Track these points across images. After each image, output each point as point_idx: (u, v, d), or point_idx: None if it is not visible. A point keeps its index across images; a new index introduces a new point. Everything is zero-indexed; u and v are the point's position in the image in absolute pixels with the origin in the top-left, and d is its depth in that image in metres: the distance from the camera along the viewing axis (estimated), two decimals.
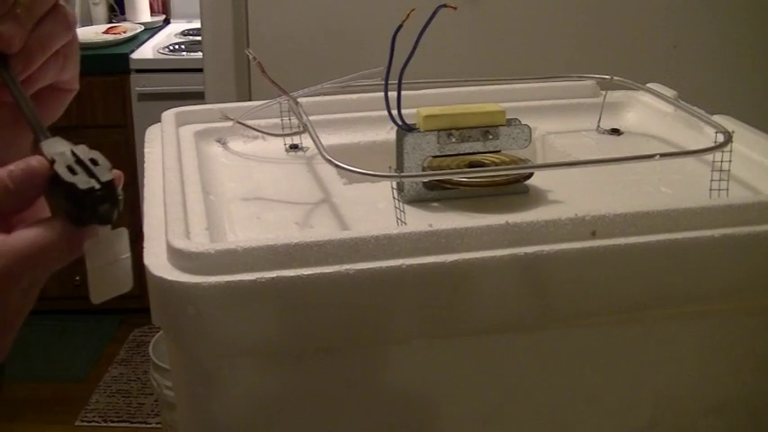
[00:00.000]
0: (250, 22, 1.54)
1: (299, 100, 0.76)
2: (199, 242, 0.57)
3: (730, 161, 0.69)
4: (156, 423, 2.52)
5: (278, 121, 0.82)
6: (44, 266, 0.50)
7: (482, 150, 0.72)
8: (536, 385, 0.64)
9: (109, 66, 2.78)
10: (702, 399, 0.68)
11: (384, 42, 0.64)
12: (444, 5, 0.65)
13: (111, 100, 2.79)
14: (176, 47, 2.88)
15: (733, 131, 0.69)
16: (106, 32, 2.95)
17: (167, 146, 0.74)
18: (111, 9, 3.19)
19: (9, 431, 2.40)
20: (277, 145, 0.81)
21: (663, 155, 0.70)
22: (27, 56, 0.56)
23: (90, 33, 2.96)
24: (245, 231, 0.66)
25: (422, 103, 0.75)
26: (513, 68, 1.49)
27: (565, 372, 0.64)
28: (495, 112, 0.72)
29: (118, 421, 2.54)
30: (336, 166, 0.62)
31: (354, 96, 0.86)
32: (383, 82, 0.67)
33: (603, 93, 0.90)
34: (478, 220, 0.59)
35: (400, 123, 0.70)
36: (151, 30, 3.08)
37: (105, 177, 0.50)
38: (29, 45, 0.55)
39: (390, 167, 0.70)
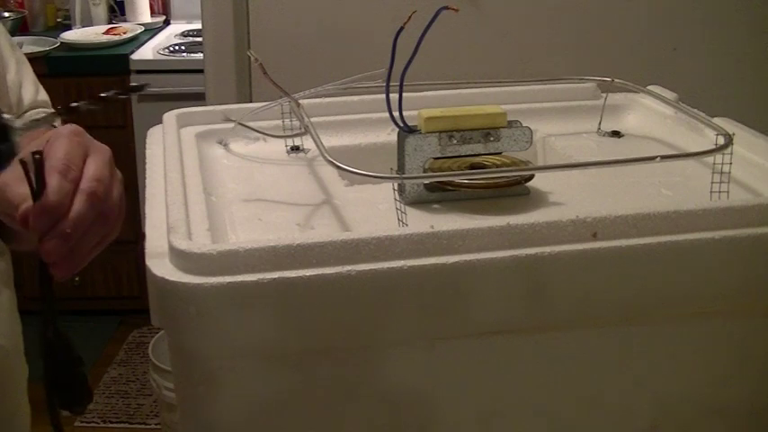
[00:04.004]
0: (251, 24, 1.54)
1: (300, 101, 0.77)
2: (200, 243, 0.57)
3: (731, 163, 0.69)
4: (156, 424, 2.52)
5: (279, 122, 0.82)
6: None
7: (483, 152, 0.72)
8: (536, 387, 0.64)
9: (109, 66, 2.77)
10: (703, 401, 0.68)
11: (385, 44, 0.65)
12: (446, 7, 0.65)
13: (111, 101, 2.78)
14: (176, 48, 2.87)
15: (733, 134, 0.69)
16: (106, 33, 2.95)
17: (169, 147, 0.74)
18: (111, 10, 3.18)
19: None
20: (278, 146, 0.82)
21: (664, 157, 0.70)
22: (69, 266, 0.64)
23: (90, 34, 2.96)
24: (246, 232, 0.66)
25: (423, 104, 0.75)
26: (514, 70, 1.49)
27: (565, 374, 0.64)
28: (496, 113, 0.72)
29: (117, 422, 2.54)
30: (338, 167, 0.62)
31: (356, 98, 0.86)
32: (384, 84, 0.67)
33: (604, 95, 0.90)
34: (479, 222, 0.59)
35: (401, 125, 0.70)
36: (151, 30, 3.08)
37: None
38: (71, 256, 0.63)
39: (392, 169, 0.70)
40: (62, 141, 0.65)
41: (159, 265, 0.57)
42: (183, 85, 2.69)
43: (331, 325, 0.57)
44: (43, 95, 1.08)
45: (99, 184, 0.64)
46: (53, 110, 1.06)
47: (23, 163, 0.61)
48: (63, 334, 0.64)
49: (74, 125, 0.68)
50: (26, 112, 1.04)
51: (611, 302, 0.61)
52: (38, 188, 0.61)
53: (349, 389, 0.61)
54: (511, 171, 0.71)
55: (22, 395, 1.05)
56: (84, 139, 0.67)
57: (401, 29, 0.64)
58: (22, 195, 0.63)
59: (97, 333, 2.92)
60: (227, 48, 1.54)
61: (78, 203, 0.63)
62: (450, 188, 0.70)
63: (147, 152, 0.76)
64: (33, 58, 2.73)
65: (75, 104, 0.61)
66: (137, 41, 2.93)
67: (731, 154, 0.68)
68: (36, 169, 0.61)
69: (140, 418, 2.56)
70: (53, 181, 0.62)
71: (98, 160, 0.66)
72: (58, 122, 0.77)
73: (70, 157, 0.64)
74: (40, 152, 0.62)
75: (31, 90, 1.06)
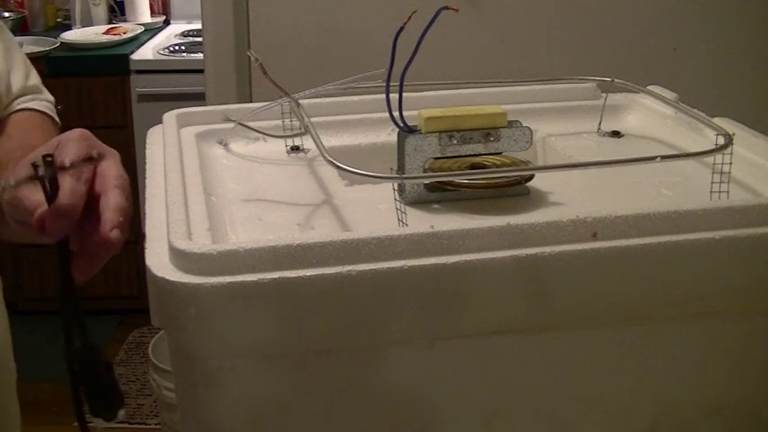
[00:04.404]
0: (251, 24, 1.54)
1: (300, 101, 0.77)
2: (201, 243, 0.57)
3: (731, 163, 0.69)
4: (156, 424, 2.52)
5: (279, 122, 0.82)
6: None
7: (483, 152, 0.72)
8: (536, 387, 0.64)
9: (109, 67, 2.78)
10: (703, 401, 0.68)
11: (386, 44, 0.65)
12: (446, 7, 0.65)
13: (111, 101, 2.79)
14: (176, 48, 2.88)
15: (733, 134, 0.69)
16: (106, 33, 2.95)
17: (169, 147, 0.74)
18: (111, 10, 3.19)
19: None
20: (278, 146, 0.82)
21: (664, 157, 0.70)
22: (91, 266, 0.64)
23: (90, 34, 2.96)
24: (246, 232, 0.66)
25: (423, 104, 0.75)
26: (514, 70, 1.49)
27: (565, 374, 0.64)
28: (496, 113, 0.72)
29: (117, 422, 2.54)
30: (338, 167, 0.62)
31: (356, 98, 0.86)
32: (384, 84, 0.67)
33: (604, 95, 0.90)
34: (480, 222, 0.59)
35: (402, 125, 0.70)
36: (151, 30, 3.08)
37: None
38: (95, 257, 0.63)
39: (392, 169, 0.70)
40: (72, 145, 0.65)
41: (159, 265, 0.57)
42: (183, 85, 2.69)
43: (331, 325, 0.57)
44: (34, 80, 1.07)
45: (125, 181, 0.66)
46: (42, 93, 1.06)
47: (35, 167, 0.62)
48: (92, 342, 0.64)
49: (82, 129, 0.68)
50: (15, 99, 1.03)
51: (611, 302, 0.61)
52: (52, 191, 0.61)
53: (349, 389, 0.61)
54: (511, 171, 0.71)
55: (11, 392, 1.05)
56: (92, 142, 0.67)
57: (401, 29, 0.64)
58: (37, 202, 0.64)
59: (97, 333, 2.91)
60: (227, 48, 1.54)
61: (115, 197, 0.63)
62: (450, 188, 0.70)
63: (147, 152, 0.76)
64: (33, 59, 2.74)
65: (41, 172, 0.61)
66: (137, 41, 2.93)
67: (731, 154, 0.68)
68: (48, 173, 0.62)
69: (140, 418, 2.56)
70: (66, 183, 0.62)
71: (114, 162, 0.67)
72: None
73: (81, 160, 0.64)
74: (51, 155, 0.63)
75: (20, 75, 1.04)
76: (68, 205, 0.61)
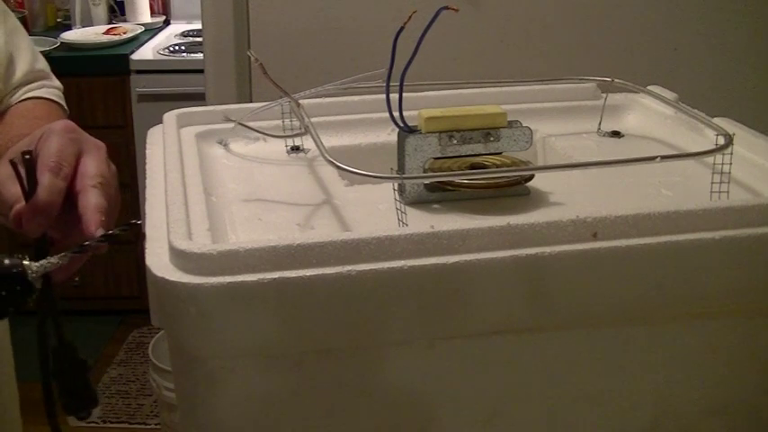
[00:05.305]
0: (251, 24, 1.54)
1: (300, 101, 0.77)
2: (201, 243, 0.57)
3: (731, 163, 0.69)
4: (156, 424, 2.52)
5: (279, 122, 0.82)
6: None
7: (483, 152, 0.72)
8: (536, 387, 0.64)
9: (109, 67, 2.78)
10: (703, 400, 0.68)
11: (386, 44, 0.65)
12: (446, 8, 0.65)
13: (111, 101, 2.79)
14: (176, 48, 2.88)
15: (733, 134, 0.69)
16: (106, 33, 2.95)
17: (169, 147, 0.74)
18: (111, 10, 3.19)
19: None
20: (278, 146, 0.82)
21: (664, 157, 0.70)
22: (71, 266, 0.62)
23: (90, 34, 2.96)
24: (246, 232, 0.66)
25: (423, 104, 0.75)
26: (514, 71, 1.49)
27: (565, 373, 0.64)
28: (496, 114, 0.72)
29: (117, 422, 2.54)
30: (338, 167, 0.62)
31: (356, 98, 0.86)
32: (384, 84, 0.67)
33: (604, 95, 0.90)
34: (480, 222, 0.59)
35: (402, 125, 0.70)
36: (151, 31, 3.08)
37: None
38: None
39: (392, 169, 0.70)
40: (54, 138, 0.64)
41: (159, 265, 0.57)
42: (183, 85, 2.69)
43: (331, 325, 0.57)
44: (41, 64, 1.05)
45: (104, 179, 0.65)
46: (51, 80, 1.05)
47: (13, 163, 0.61)
48: (68, 341, 0.64)
49: (66, 120, 0.67)
50: (22, 85, 1.02)
51: (611, 302, 0.61)
52: (30, 188, 0.61)
53: (349, 389, 0.61)
54: (511, 171, 0.71)
55: (10, 383, 1.05)
56: (77, 135, 0.67)
57: (401, 29, 0.64)
58: (15, 195, 0.63)
59: (97, 333, 2.92)
60: (227, 48, 1.54)
61: (95, 196, 0.63)
62: (450, 188, 0.70)
63: (147, 152, 0.76)
64: None
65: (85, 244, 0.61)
66: (137, 41, 2.93)
67: (731, 154, 0.68)
68: (27, 169, 0.61)
69: (140, 418, 2.56)
70: (44, 180, 0.61)
71: (96, 158, 0.66)
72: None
73: (62, 155, 0.63)
74: (29, 152, 0.62)
75: (26, 59, 1.03)
76: (46, 202, 0.60)
